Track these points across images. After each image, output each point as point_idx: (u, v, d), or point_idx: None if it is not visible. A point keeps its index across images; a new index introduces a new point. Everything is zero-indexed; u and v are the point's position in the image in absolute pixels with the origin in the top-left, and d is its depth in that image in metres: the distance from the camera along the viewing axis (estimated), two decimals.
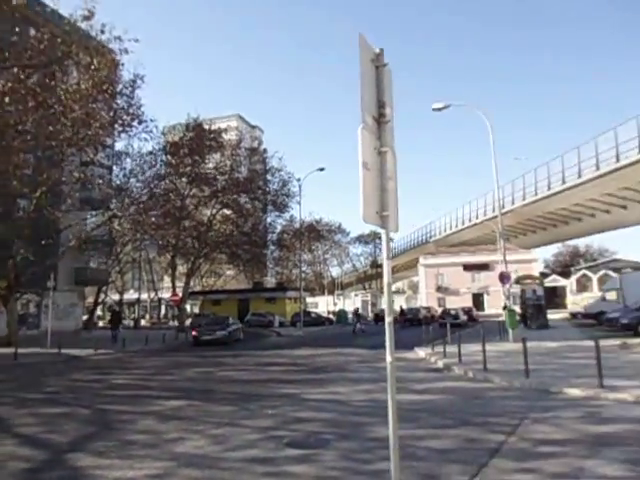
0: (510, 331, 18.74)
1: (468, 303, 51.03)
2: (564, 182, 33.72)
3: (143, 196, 31.72)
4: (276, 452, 5.76)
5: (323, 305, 67.73)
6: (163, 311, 63.26)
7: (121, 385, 12.00)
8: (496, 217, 22.78)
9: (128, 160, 32.77)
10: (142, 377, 13.56)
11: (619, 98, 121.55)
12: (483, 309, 52.67)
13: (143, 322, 51.60)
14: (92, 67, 20.47)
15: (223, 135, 34.83)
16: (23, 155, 21.51)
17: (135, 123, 25.04)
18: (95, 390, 11.12)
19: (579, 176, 32.05)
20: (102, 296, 46.34)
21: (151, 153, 32.42)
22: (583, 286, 44.95)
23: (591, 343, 9.09)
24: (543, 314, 26.91)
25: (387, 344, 3.20)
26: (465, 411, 7.73)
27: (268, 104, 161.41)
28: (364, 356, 16.42)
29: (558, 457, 5.27)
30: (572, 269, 55.39)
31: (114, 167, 34.25)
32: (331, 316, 49.70)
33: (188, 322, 37.29)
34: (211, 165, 34.36)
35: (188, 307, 51.59)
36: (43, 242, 24.80)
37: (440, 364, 13.41)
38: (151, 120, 26.97)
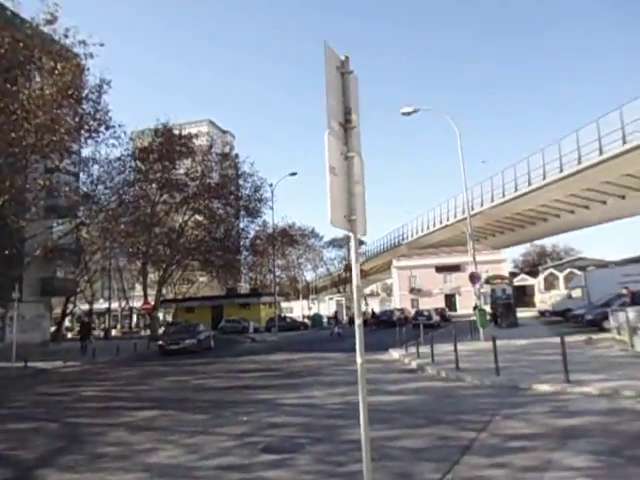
0: (481, 330, 19.14)
1: (441, 304, 51.85)
2: (530, 184, 34.65)
3: (112, 203, 31.04)
4: (251, 458, 5.74)
5: (298, 310, 67.60)
6: (135, 320, 61.91)
7: (91, 397, 11.70)
8: (466, 219, 23.23)
9: (95, 166, 31.94)
10: (113, 388, 13.24)
11: (584, 99, 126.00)
12: (455, 309, 53.62)
13: (114, 332, 50.37)
14: (56, 72, 19.99)
15: (194, 140, 34.38)
16: None
17: (102, 129, 24.58)
18: (64, 403, 10.81)
19: (544, 178, 32.99)
20: (70, 306, 44.97)
21: (119, 159, 31.76)
22: (550, 284, 46.22)
23: (558, 340, 9.38)
24: (513, 313, 27.59)
25: (357, 346, 3.24)
26: (437, 410, 7.86)
27: (239, 110, 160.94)
28: (339, 359, 16.47)
29: (527, 451, 5.42)
30: (539, 268, 56.90)
31: (81, 174, 33.31)
32: (306, 320, 49.64)
33: (161, 331, 36.61)
34: (182, 171, 33.90)
35: (161, 315, 50.68)
36: (7, 252, 23.94)
37: (414, 365, 13.58)
38: (119, 125, 26.41)
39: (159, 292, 36.61)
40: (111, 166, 31.65)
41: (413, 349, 15.48)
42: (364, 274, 71.43)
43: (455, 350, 11.99)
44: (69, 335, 46.84)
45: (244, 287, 65.12)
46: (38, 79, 21.46)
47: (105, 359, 21.20)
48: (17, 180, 22.87)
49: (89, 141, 26.60)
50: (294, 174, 35.19)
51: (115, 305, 55.18)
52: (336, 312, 35.91)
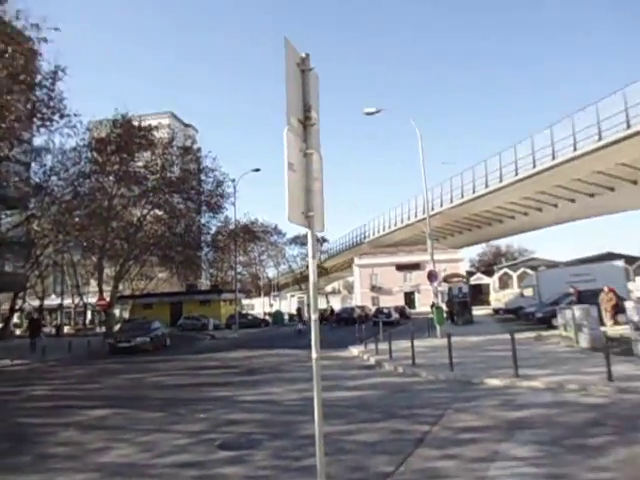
0: (438, 327, 19.64)
1: (401, 302, 52.83)
2: (487, 186, 35.85)
3: (66, 195, 29.89)
4: (207, 455, 5.70)
5: (259, 307, 67.21)
6: (89, 317, 59.77)
7: (40, 396, 11.25)
8: (425, 219, 23.77)
9: (49, 156, 30.73)
10: (63, 387, 12.78)
11: (549, 103, 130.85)
12: (414, 307, 54.72)
13: (67, 329, 48.41)
14: (6, 55, 19.02)
15: (154, 133, 33.50)
16: None
17: (56, 117, 23.62)
18: (11, 403, 10.35)
19: (500, 180, 34.22)
20: (19, 302, 42.96)
21: (75, 149, 30.60)
22: (505, 283, 47.98)
23: (510, 336, 9.77)
24: (468, 310, 28.46)
25: (313, 341, 3.29)
26: (393, 405, 8.04)
27: (202, 104, 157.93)
28: (299, 356, 16.48)
29: (477, 443, 5.64)
30: (495, 268, 58.88)
31: (32, 164, 31.94)
32: (267, 318, 49.46)
33: (117, 328, 35.55)
34: (141, 164, 32.98)
35: (117, 312, 49.19)
36: None
37: (372, 361, 13.80)
38: (75, 115, 25.42)
39: (115, 288, 35.56)
40: (66, 156, 30.49)
41: (372, 346, 15.72)
42: (326, 272, 71.87)
43: (412, 346, 12.27)
44: (18, 332, 44.72)
45: (204, 284, 64.19)
46: None
47: (56, 357, 20.39)
48: None
49: (42, 130, 25.57)
50: (257, 170, 34.96)
51: (68, 301, 53.17)
52: (299, 309, 35.95)
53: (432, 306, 22.64)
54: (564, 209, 35.88)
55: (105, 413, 8.55)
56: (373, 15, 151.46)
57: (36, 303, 47.68)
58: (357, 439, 6.02)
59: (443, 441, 5.79)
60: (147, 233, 35.51)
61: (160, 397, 10.04)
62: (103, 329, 38.96)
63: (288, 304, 69.24)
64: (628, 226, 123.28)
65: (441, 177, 67.01)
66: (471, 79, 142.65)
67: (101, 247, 33.02)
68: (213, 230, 44.07)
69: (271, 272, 79.24)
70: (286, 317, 50.44)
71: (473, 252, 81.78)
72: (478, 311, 33.78)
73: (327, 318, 39.85)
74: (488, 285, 49.29)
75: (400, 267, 59.98)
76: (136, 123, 32.28)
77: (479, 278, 52.74)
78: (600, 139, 25.04)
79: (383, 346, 14.83)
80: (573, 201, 34.08)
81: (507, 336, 9.96)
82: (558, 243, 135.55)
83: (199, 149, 41.20)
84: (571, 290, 20.49)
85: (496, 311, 34.68)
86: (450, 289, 30.34)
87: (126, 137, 30.83)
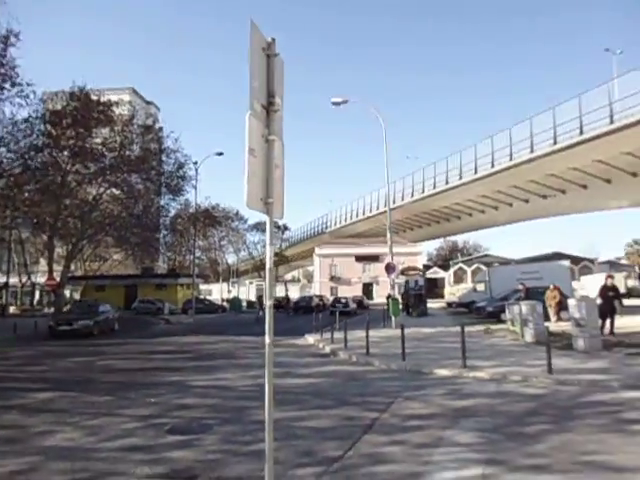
0: (393, 318, 20.08)
1: (359, 292, 53.58)
2: (447, 182, 36.67)
3: (15, 168, 28.31)
4: (156, 439, 5.66)
5: (217, 292, 66.52)
6: (37, 297, 57.32)
7: None
8: (386, 212, 24.12)
9: None
10: (6, 368, 12.26)
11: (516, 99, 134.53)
12: (372, 298, 55.63)
13: (12, 309, 46.32)
14: None
15: (114, 108, 32.13)
16: None
17: (7, 85, 22.33)
18: None
19: (460, 178, 35.05)
20: None
21: (27, 121, 28.88)
22: (459, 278, 49.54)
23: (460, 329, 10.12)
24: (423, 303, 29.22)
25: (267, 327, 3.30)
26: (345, 392, 8.19)
27: (165, 82, 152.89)
28: (255, 343, 16.46)
29: (423, 429, 5.85)
30: (451, 262, 60.65)
31: None
32: (225, 304, 49.04)
33: (67, 309, 34.28)
34: (99, 140, 31.60)
35: (68, 293, 47.41)
36: None
37: (327, 349, 13.98)
38: (28, 84, 24.07)
39: (67, 268, 34.19)
40: (16, 128, 28.73)
41: (328, 335, 15.90)
42: (287, 260, 71.76)
43: (367, 336, 12.50)
44: None
45: (161, 267, 62.80)
46: None
47: (1, 337, 19.51)
48: None
49: None
50: (220, 154, 34.32)
51: (15, 280, 50.76)
52: (260, 297, 35.88)
53: (388, 297, 23.10)
54: (518, 209, 37.22)
55: (50, 396, 8.29)
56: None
57: None
58: (308, 425, 6.12)
59: (391, 427, 5.96)
60: (103, 212, 34.23)
61: (110, 381, 9.82)
62: (52, 310, 37.51)
63: (247, 291, 68.81)
64: (576, 228, 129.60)
65: (405, 172, 68.38)
66: (443, 81, 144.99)
67: (52, 225, 31.60)
68: (172, 213, 43.04)
69: (231, 258, 78.41)
70: (244, 304, 50.18)
71: (431, 246, 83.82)
72: (433, 304, 34.73)
73: (284, 306, 39.97)
74: (444, 279, 50.74)
75: (360, 258, 60.73)
76: (95, 97, 30.88)
77: (435, 272, 54.22)
78: (555, 143, 26.05)
79: (339, 335, 15.05)
80: (527, 201, 35.40)
81: (458, 329, 10.31)
82: (511, 241, 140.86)
83: (161, 128, 39.94)
84: (520, 287, 21.38)
85: (450, 304, 35.73)
86: (407, 281, 30.99)
87: (83, 111, 29.46)
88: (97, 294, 43.31)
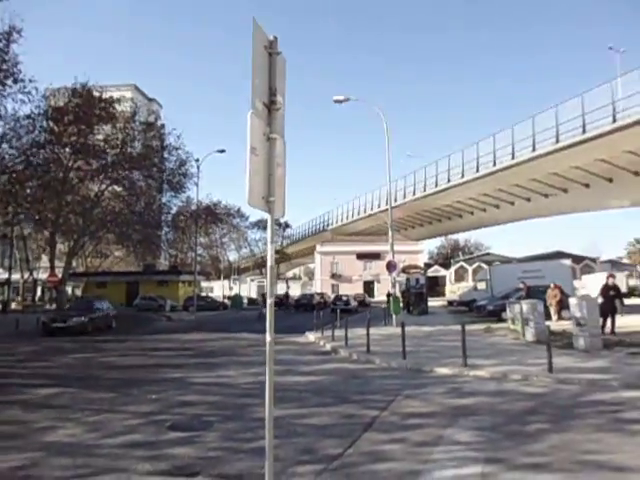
0: (394, 316, 20.10)
1: (360, 290, 53.65)
2: (449, 181, 36.60)
3: (17, 165, 28.38)
4: (157, 436, 5.68)
5: (219, 290, 66.61)
6: (39, 293, 57.43)
7: None
8: (388, 210, 24.11)
9: (0, 123, 29.00)
10: (8, 364, 12.29)
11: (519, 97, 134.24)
12: (373, 296, 55.70)
13: (14, 305, 46.44)
14: None
15: (116, 105, 32.26)
16: None
17: (9, 82, 22.37)
18: None
19: (462, 176, 35.00)
20: None
21: (29, 117, 29.00)
22: (460, 276, 49.46)
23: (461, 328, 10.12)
24: (424, 301, 29.22)
25: (267, 325, 3.32)
26: (346, 390, 8.21)
27: (169, 80, 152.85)
28: (256, 340, 16.49)
29: (423, 428, 5.87)
30: (452, 261, 60.60)
31: None
32: (226, 301, 49.11)
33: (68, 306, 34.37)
34: (101, 137, 31.75)
35: (69, 289, 47.53)
36: None
37: (328, 347, 14.00)
38: (30, 80, 24.14)
39: (68, 264, 34.34)
40: (18, 124, 28.85)
41: (329, 332, 15.93)
42: (288, 257, 71.82)
43: (367, 334, 12.52)
44: None
45: (163, 264, 62.87)
46: None
47: (1, 333, 19.57)
48: None
49: None
50: (222, 151, 34.28)
51: (17, 276, 50.86)
52: (264, 294, 35.99)
53: (388, 295, 23.11)
54: (520, 207, 37.17)
55: (53, 392, 8.33)
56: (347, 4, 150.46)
57: None
58: (309, 422, 6.14)
59: (391, 426, 5.98)
60: (104, 209, 34.35)
61: (112, 377, 9.86)
62: (54, 306, 37.64)
63: (248, 288, 68.95)
64: (578, 227, 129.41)
65: (407, 170, 68.25)
66: (442, 74, 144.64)
67: (54, 221, 31.71)
68: (174, 210, 43.14)
69: (232, 255, 78.50)
70: (245, 301, 50.23)
71: (432, 245, 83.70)
72: (434, 302, 34.76)
73: (284, 303, 40.06)
74: (444, 277, 50.65)
75: (361, 256, 60.77)
76: (97, 94, 30.96)
77: (436, 270, 54.19)
78: (557, 142, 25.99)
79: (340, 333, 15.08)
80: (529, 200, 35.34)
81: (459, 327, 10.31)
82: (513, 240, 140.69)
83: (163, 125, 40.02)
84: (521, 285, 21.37)
85: (450, 303, 35.72)
86: (408, 280, 30.99)
87: (85, 107, 29.54)
88: (99, 291, 43.39)
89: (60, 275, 33.22)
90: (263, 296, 33.86)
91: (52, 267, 33.11)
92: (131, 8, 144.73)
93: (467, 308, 29.07)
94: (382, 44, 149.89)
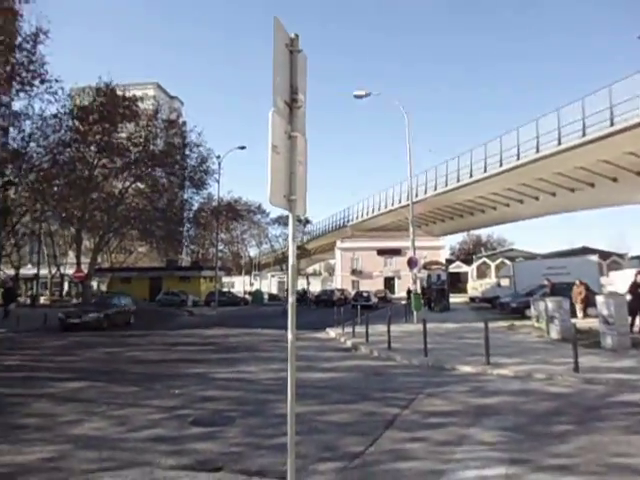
0: (415, 313, 19.96)
1: (380, 286, 53.42)
2: (471, 175, 36.07)
3: (44, 163, 29.09)
4: (180, 431, 5.76)
5: (239, 285, 67.23)
6: (66, 288, 58.96)
7: (13, 367, 11.13)
8: (409, 205, 23.90)
9: (28, 122, 29.74)
10: (38, 358, 12.67)
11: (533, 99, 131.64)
12: (394, 292, 55.37)
13: (42, 300, 47.76)
14: None
15: (139, 103, 32.71)
16: None
17: (36, 82, 22.92)
18: None
19: (485, 170, 34.45)
20: None
21: (55, 116, 29.66)
22: (483, 273, 48.81)
23: (484, 325, 9.98)
24: (446, 298, 28.91)
25: (289, 322, 3.32)
26: (367, 387, 8.19)
27: (190, 77, 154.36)
28: (277, 336, 16.57)
29: (445, 427, 5.81)
30: (474, 257, 59.78)
31: (10, 129, 30.92)
32: (247, 296, 49.53)
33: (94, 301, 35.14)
34: (124, 135, 32.22)
35: (95, 284, 48.63)
36: None
37: (349, 344, 13.99)
38: (56, 80, 24.66)
39: (94, 260, 35.06)
40: (45, 123, 29.57)
41: (350, 329, 15.91)
42: (308, 253, 71.92)
43: (388, 331, 12.46)
44: None
45: (185, 260, 63.76)
46: None
47: (31, 327, 20.15)
48: None
49: (21, 94, 24.73)
50: (243, 148, 34.56)
51: (45, 271, 52.29)
52: (287, 289, 36.25)
53: (408, 292, 22.93)
54: (545, 202, 36.40)
55: (79, 385, 8.53)
56: (365, 6, 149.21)
57: (11, 272, 46.82)
58: (330, 419, 6.15)
59: (413, 424, 5.94)
60: (128, 206, 34.91)
61: (136, 372, 10.04)
62: (80, 301, 38.52)
63: (268, 284, 69.37)
64: (605, 222, 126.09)
65: (427, 165, 67.58)
66: (462, 73, 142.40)
67: (80, 218, 32.41)
68: (196, 206, 43.62)
69: (253, 251, 79.06)
70: (266, 297, 50.55)
71: (454, 240, 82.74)
72: (455, 299, 34.35)
73: (304, 299, 40.22)
74: (466, 273, 50.08)
75: (381, 252, 60.43)
76: (120, 92, 31.44)
77: (458, 266, 53.54)
78: (584, 135, 25.33)
79: (360, 329, 15.03)
80: (554, 195, 34.58)
81: (481, 324, 10.18)
82: (537, 235, 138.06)
83: (184, 123, 40.48)
84: (546, 282, 20.96)
85: (473, 299, 35.29)
86: (429, 276, 30.72)
87: (109, 106, 30.04)
88: (123, 286, 44.29)
89: (86, 271, 33.98)
90: (287, 292, 34.05)
91: (78, 263, 33.88)
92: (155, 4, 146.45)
93: (490, 305, 28.68)
94: (400, 45, 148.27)
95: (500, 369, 9.17)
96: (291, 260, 3.42)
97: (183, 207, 40.62)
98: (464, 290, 42.77)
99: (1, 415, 6.60)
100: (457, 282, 47.09)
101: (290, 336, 3.33)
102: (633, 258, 48.75)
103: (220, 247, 54.45)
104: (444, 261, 47.65)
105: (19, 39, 21.80)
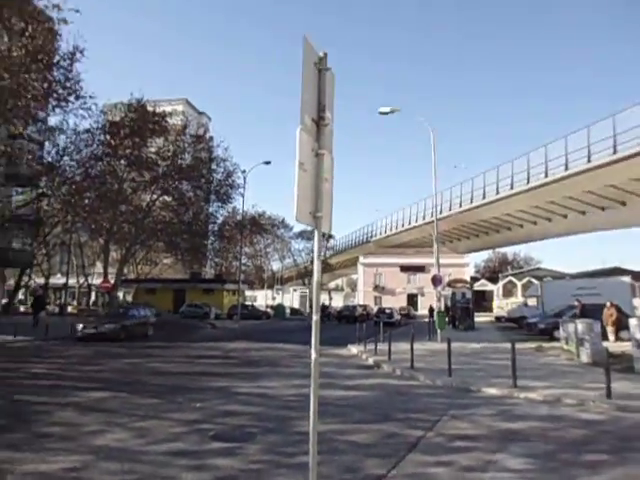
0: (439, 331, 19.61)
1: (403, 303, 52.80)
2: (498, 192, 35.59)
3: (77, 176, 30.01)
4: (201, 445, 5.74)
5: (262, 299, 67.47)
6: (93, 298, 60.23)
7: (39, 374, 11.38)
8: (433, 222, 23.67)
9: (62, 137, 30.84)
10: (64, 367, 12.90)
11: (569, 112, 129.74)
12: (417, 309, 54.67)
13: (70, 309, 48.86)
14: (26, 34, 19.11)
15: (168, 119, 33.56)
16: None
17: (72, 98, 23.72)
18: (10, 379, 10.46)
19: (511, 188, 33.95)
20: (25, 279, 43.39)
21: (88, 131, 30.67)
22: (509, 292, 47.78)
23: (510, 345, 9.72)
24: (471, 316, 28.37)
25: (312, 341, 3.28)
26: (389, 407, 8.03)
27: (218, 92, 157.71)
28: (298, 351, 16.50)
29: (471, 451, 5.63)
30: (500, 275, 58.65)
31: (46, 143, 32.11)
32: (269, 310, 49.61)
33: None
34: (153, 149, 33.05)
35: (121, 295, 49.51)
36: None
37: (370, 361, 13.80)
38: (90, 97, 25.48)
39: (120, 271, 35.77)
40: (79, 138, 30.58)
41: (372, 346, 15.71)
42: (331, 268, 71.84)
43: (411, 349, 12.25)
44: (22, 309, 45.20)
45: (209, 272, 64.39)
46: (6, 39, 20.49)
47: (59, 336, 20.58)
48: None
49: (57, 110, 25.66)
50: (268, 163, 34.94)
51: (73, 281, 53.59)
52: (310, 305, 36.32)
53: (430, 310, 22.57)
54: (574, 221, 35.54)
55: (103, 395, 8.62)
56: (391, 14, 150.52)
57: (41, 281, 48.14)
58: (351, 439, 6.03)
59: (437, 447, 5.78)
60: (155, 219, 35.62)
61: (158, 383, 10.11)
62: (106, 311, 39.23)
63: (291, 298, 69.37)
64: (638, 241, 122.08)
65: (452, 182, 67.02)
66: (488, 86, 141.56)
67: (109, 230, 33.21)
68: (220, 220, 44.20)
69: (276, 265, 79.36)
70: (288, 311, 50.51)
71: (479, 258, 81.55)
72: (480, 318, 33.66)
73: (325, 314, 40.09)
74: (492, 292, 49.10)
75: (405, 268, 59.87)
76: (150, 108, 32.33)
77: (483, 284, 52.57)
78: (615, 152, 24.75)
79: (383, 347, 14.83)
80: (584, 213, 33.75)
81: (508, 345, 9.91)
82: (565, 254, 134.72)
83: (211, 138, 41.25)
84: (575, 303, 20.34)
85: (498, 319, 34.52)
86: (454, 294, 30.23)
87: (140, 122, 30.89)
88: (148, 297, 44.94)
89: (112, 281, 34.67)
90: (310, 307, 34.00)
91: (105, 273, 34.63)
92: (186, 21, 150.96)
93: (516, 325, 28.00)
94: (431, 54, 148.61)
95: (528, 392, 8.87)
96: (316, 276, 3.40)
97: (208, 220, 41.23)
98: (489, 309, 41.94)
99: (27, 423, 6.70)
100: (482, 301, 46.19)
101: (314, 354, 3.30)
102: None
103: (243, 260, 54.89)
104: (469, 279, 46.79)
105: (57, 57, 22.70)
